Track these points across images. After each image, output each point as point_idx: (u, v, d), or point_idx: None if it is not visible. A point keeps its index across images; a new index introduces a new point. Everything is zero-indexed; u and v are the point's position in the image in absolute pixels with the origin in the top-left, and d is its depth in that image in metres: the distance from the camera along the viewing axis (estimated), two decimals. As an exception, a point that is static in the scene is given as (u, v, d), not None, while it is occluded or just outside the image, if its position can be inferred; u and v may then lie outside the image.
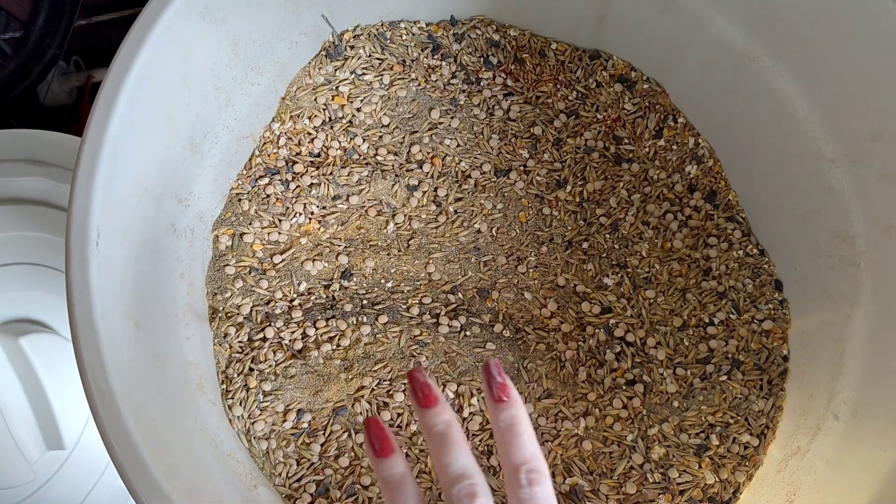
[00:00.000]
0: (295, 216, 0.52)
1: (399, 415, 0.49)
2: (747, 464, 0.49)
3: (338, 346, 0.50)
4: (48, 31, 0.68)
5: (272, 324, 0.50)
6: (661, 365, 0.52)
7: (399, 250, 0.53)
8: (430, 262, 0.53)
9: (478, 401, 0.50)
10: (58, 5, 0.68)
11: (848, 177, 0.48)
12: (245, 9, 0.46)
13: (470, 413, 0.49)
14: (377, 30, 0.55)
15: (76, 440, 0.55)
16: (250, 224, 0.51)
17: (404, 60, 0.55)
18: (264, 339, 0.49)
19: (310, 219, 0.52)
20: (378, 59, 0.55)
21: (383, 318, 0.51)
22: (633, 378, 0.52)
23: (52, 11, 0.68)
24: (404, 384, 0.49)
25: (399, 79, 0.55)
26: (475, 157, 0.56)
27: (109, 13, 0.75)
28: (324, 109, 0.54)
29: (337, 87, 0.54)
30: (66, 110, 0.77)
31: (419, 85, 0.55)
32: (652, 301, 0.54)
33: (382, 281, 0.53)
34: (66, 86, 0.76)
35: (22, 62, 0.68)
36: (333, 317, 0.51)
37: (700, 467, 0.49)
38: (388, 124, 0.55)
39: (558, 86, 0.57)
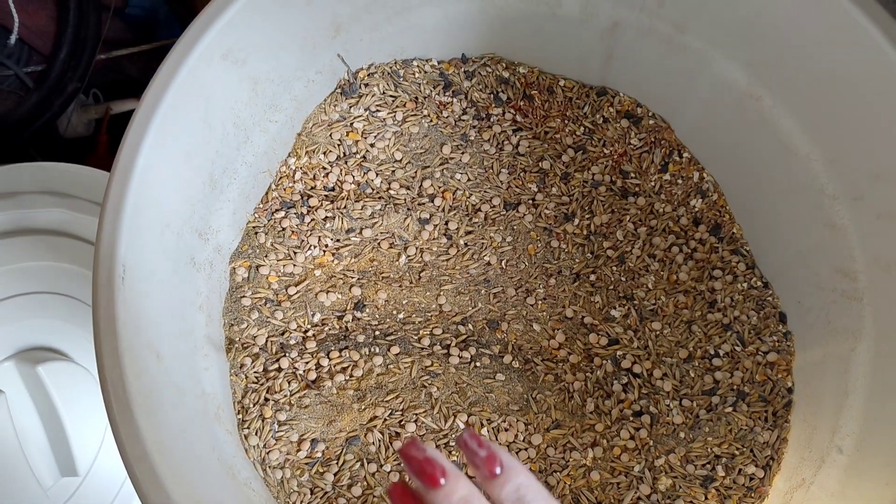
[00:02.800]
0: (309, 249, 0.53)
1: (411, 445, 0.50)
2: (753, 495, 0.50)
3: (351, 376, 0.51)
4: (70, 65, 0.70)
5: (287, 354, 0.51)
6: (668, 396, 0.53)
7: (411, 282, 0.55)
8: (441, 293, 0.55)
9: (487, 431, 0.50)
10: (80, 40, 0.70)
11: (849, 214, 0.49)
12: (265, 50, 0.47)
13: (480, 443, 0.50)
14: (391, 68, 0.57)
15: (89, 467, 0.56)
16: (266, 256, 0.53)
17: (417, 97, 0.57)
18: (279, 370, 0.50)
19: (324, 251, 0.54)
20: (391, 96, 0.56)
21: (395, 349, 0.52)
22: (639, 409, 0.53)
23: (75, 46, 0.70)
24: (416, 415, 0.50)
25: (412, 115, 0.57)
26: (485, 191, 0.57)
27: (129, 48, 0.77)
28: (338, 145, 0.55)
29: (351, 124, 0.56)
30: (85, 142, 0.79)
31: (431, 121, 0.57)
32: (658, 333, 0.55)
33: (394, 312, 0.54)
34: (85, 118, 0.78)
35: (44, 95, 0.70)
36: (346, 347, 0.52)
37: (706, 498, 0.50)
38: (401, 159, 0.56)
39: (566, 121, 0.59)
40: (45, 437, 0.55)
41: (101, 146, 0.78)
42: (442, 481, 0.29)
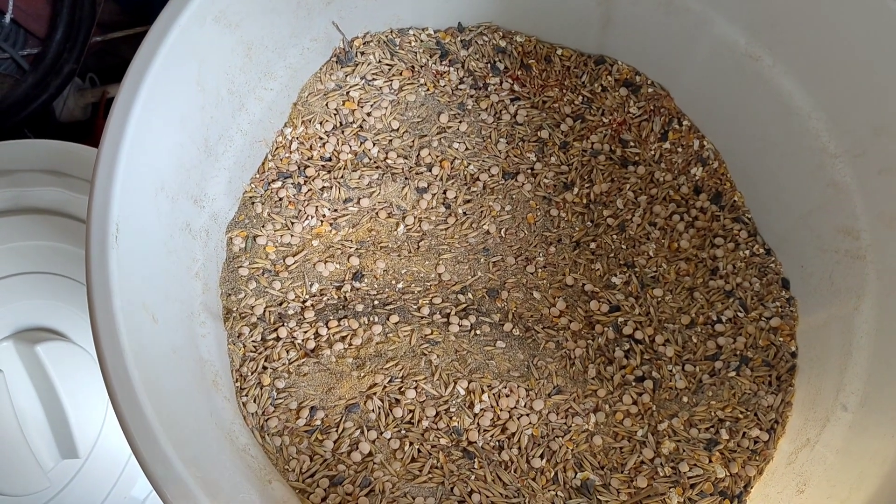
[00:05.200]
0: (307, 219, 0.53)
1: (410, 411, 0.49)
2: (757, 458, 0.50)
3: (350, 344, 0.51)
4: (65, 47, 0.70)
5: (285, 324, 0.50)
6: (670, 362, 0.52)
7: (409, 251, 0.54)
8: (440, 262, 0.54)
9: (488, 397, 0.50)
10: (75, 22, 0.70)
11: (851, 171, 0.48)
12: (258, 14, 0.47)
13: (481, 409, 0.50)
14: (386, 36, 0.56)
15: (90, 449, 0.55)
16: (263, 227, 0.52)
17: (413, 66, 0.57)
18: (277, 339, 0.50)
19: (321, 221, 0.53)
20: (388, 64, 0.56)
21: (394, 318, 0.52)
22: (642, 375, 0.52)
23: (70, 28, 0.70)
24: (416, 381, 0.50)
25: (408, 84, 0.56)
26: (483, 161, 0.57)
27: (124, 30, 0.77)
28: (335, 114, 0.55)
29: (347, 93, 0.55)
30: (81, 126, 0.79)
31: (428, 90, 0.57)
32: (660, 299, 0.54)
33: (393, 282, 0.53)
34: (82, 101, 0.78)
35: (39, 78, 0.70)
36: (345, 317, 0.51)
37: (710, 461, 0.49)
38: (398, 128, 0.56)
39: (564, 90, 0.58)
40: (44, 419, 0.54)
41: (98, 130, 0.78)
42: None
